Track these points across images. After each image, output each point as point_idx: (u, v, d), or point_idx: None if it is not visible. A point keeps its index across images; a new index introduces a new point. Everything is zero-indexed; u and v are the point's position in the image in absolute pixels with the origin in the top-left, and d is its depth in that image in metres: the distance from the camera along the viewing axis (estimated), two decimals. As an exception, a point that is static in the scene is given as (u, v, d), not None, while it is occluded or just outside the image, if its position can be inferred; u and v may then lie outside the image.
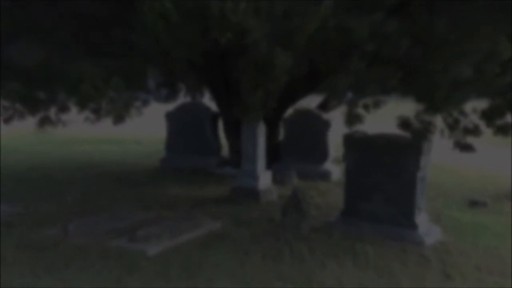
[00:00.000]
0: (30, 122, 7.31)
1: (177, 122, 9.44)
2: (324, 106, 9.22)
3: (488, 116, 5.17)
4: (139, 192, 7.23)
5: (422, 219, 5.33)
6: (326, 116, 8.67)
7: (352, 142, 5.57)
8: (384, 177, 5.35)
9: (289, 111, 8.94)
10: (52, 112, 7.20)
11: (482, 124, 5.39)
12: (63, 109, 7.09)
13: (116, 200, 6.74)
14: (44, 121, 7.08)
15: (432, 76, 4.59)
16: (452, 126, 5.41)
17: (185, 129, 9.36)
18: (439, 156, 7.13)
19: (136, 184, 7.78)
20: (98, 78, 4.65)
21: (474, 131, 5.38)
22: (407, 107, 5.15)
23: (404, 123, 5.16)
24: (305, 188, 7.09)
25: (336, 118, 7.62)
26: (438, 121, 5.20)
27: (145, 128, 14.61)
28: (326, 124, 8.46)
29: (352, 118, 4.92)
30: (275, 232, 5.33)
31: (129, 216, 5.81)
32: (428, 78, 4.63)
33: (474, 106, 5.38)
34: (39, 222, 5.55)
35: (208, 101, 10.37)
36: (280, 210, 5.60)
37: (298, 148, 8.59)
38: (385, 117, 6.47)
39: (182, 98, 10.37)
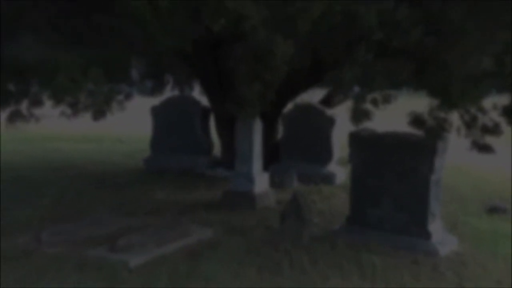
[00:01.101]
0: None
1: (163, 118, 9.44)
2: (328, 101, 9.24)
3: (510, 113, 5.19)
4: (121, 196, 7.23)
5: (436, 226, 5.35)
6: (330, 112, 8.69)
7: (359, 141, 5.58)
8: (394, 180, 5.37)
9: (289, 106, 8.95)
10: (24, 106, 7.17)
11: (502, 122, 5.41)
12: (36, 102, 7.07)
13: (95, 204, 6.73)
14: (15, 116, 7.06)
15: (448, 68, 4.61)
16: (470, 124, 5.43)
17: (172, 125, 9.36)
18: (455, 157, 7.16)
19: (118, 187, 7.78)
20: (76, 69, 4.65)
21: (494, 129, 5.40)
22: (420, 103, 5.16)
23: (417, 120, 5.18)
24: (307, 192, 7.10)
25: (341, 114, 7.64)
26: (454, 118, 5.22)
27: (128, 125, 14.60)
28: (330, 121, 8.48)
29: (359, 114, 4.92)
30: (273, 241, 5.34)
31: (109, 223, 5.81)
32: (443, 70, 4.64)
33: (494, 102, 5.40)
34: (9, 229, 5.54)
35: (198, 94, 10.39)
36: (279, 216, 5.61)
37: (299, 148, 8.61)
38: (396, 114, 6.49)
39: (170, 91, 10.37)
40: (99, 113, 6.57)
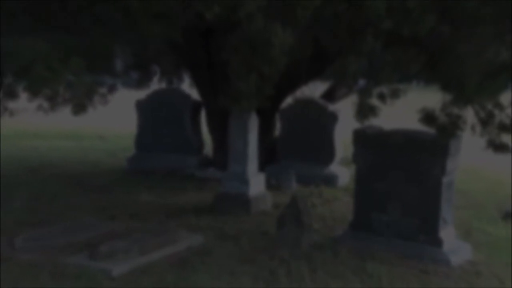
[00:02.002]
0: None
1: (149, 113, 9.41)
2: (331, 95, 9.24)
3: (529, 109, 5.21)
4: (102, 199, 7.21)
5: (447, 233, 5.36)
6: (332, 107, 8.68)
7: (364, 140, 5.59)
8: (403, 182, 5.38)
9: (288, 101, 8.94)
10: (-4, 99, 7.16)
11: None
12: (10, 95, 7.04)
13: (74, 208, 6.72)
14: (-14, 110, 7.05)
15: (462, 60, 4.61)
16: (486, 121, 5.43)
17: (159, 121, 9.33)
18: (469, 157, 7.17)
19: (99, 189, 7.76)
20: (54, 58, 4.63)
21: (512, 127, 5.41)
22: (432, 98, 5.16)
23: (428, 117, 5.18)
24: (306, 195, 7.10)
25: (345, 110, 7.64)
26: (469, 115, 5.22)
27: (111, 120, 14.55)
28: (332, 117, 8.48)
29: (364, 110, 4.93)
30: (269, 249, 5.34)
31: (90, 228, 5.80)
32: (457, 62, 4.65)
33: (513, 98, 5.41)
34: (-21, 234, 5.51)
35: (188, 87, 10.36)
36: (276, 221, 5.61)
37: (298, 146, 8.61)
38: (405, 110, 6.50)
39: (157, 84, 10.35)
40: (79, 107, 6.55)
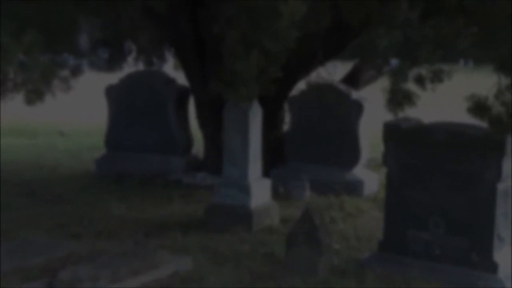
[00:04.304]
0: None
1: (123, 102, 9.41)
2: (355, 79, 9.25)
3: None
4: (63, 212, 7.20)
5: (504, 255, 5.34)
6: (357, 94, 8.66)
7: (398, 136, 5.57)
8: (447, 191, 5.37)
9: (300, 86, 8.92)
10: None
11: None
12: None
13: (27, 223, 6.70)
14: None
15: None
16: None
17: (135, 113, 9.34)
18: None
19: (59, 199, 7.76)
20: (4, 32, 4.62)
21: None
22: (484, 82, 5.14)
23: (479, 107, 5.17)
24: (324, 207, 7.09)
25: (373, 97, 7.62)
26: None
27: (74, 112, 14.57)
28: (357, 107, 8.45)
29: (398, 98, 4.92)
30: (277, 276, 5.32)
31: (46, 249, 5.78)
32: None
33: None
34: None
35: (172, 69, 10.36)
36: (285, 241, 5.59)
37: (313, 144, 8.60)
38: (449, 97, 6.48)
39: (132, 65, 10.35)
40: (34, 95, 6.53)
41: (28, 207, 7.35)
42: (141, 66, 10.39)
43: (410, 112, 5.19)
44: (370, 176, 8.43)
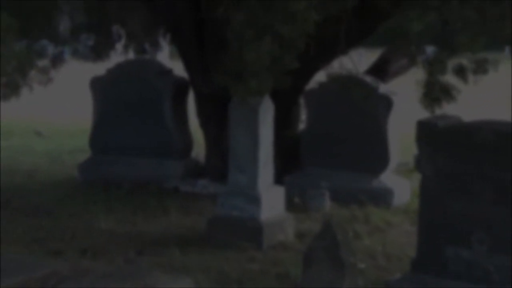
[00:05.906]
0: None
1: (111, 96, 9.44)
2: (383, 70, 9.27)
3: None
4: (42, 225, 7.24)
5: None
6: (385, 87, 8.70)
7: (435, 137, 5.56)
8: (493, 202, 5.34)
9: (319, 78, 8.91)
10: None
11: None
12: None
13: (2, 238, 6.67)
14: None
15: None
16: None
17: (125, 109, 9.37)
18: None
19: (36, 211, 7.79)
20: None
21: None
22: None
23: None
24: (346, 220, 7.09)
25: (404, 91, 7.61)
26: None
27: (54, 109, 14.61)
28: (385, 102, 8.47)
29: (434, 92, 4.91)
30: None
31: (24, 267, 5.79)
32: None
33: None
34: None
35: (167, 58, 10.38)
36: (302, 259, 5.59)
37: (333, 146, 8.61)
38: (495, 91, 6.46)
39: (121, 54, 10.37)
40: (9, 89, 6.57)
41: (1, 220, 7.36)
42: (131, 55, 10.41)
43: (449, 109, 5.17)
44: (400, 184, 8.45)
